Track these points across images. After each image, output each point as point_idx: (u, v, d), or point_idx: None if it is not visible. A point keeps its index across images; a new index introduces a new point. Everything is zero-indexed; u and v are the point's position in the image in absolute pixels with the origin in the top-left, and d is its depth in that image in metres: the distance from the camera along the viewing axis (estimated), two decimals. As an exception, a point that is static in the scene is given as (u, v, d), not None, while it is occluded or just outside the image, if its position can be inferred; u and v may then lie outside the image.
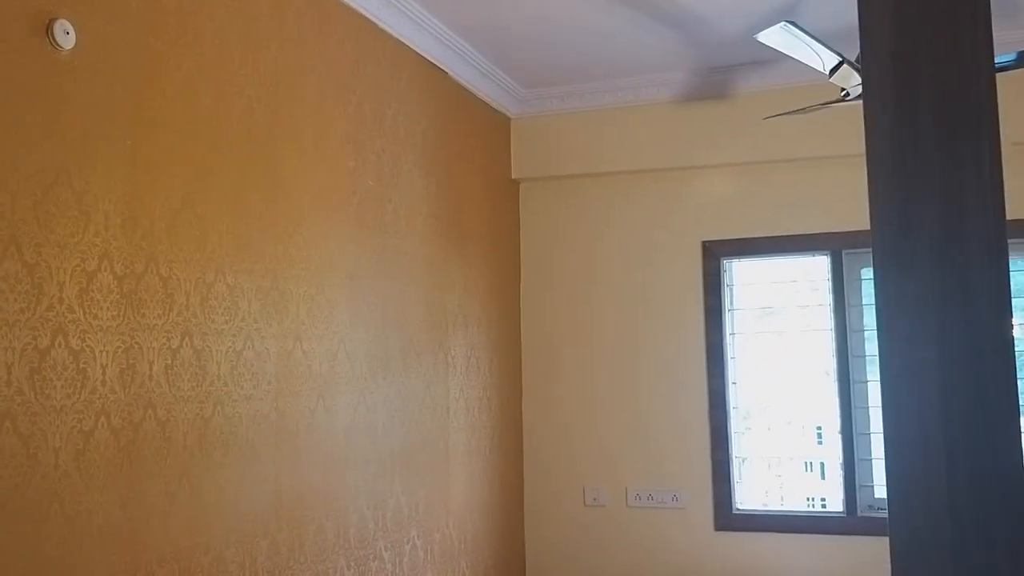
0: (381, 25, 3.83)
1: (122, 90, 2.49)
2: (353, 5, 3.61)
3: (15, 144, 2.17)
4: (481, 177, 4.88)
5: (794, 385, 5.02)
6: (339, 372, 3.45)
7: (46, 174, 2.25)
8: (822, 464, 5.29)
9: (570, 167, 5.19)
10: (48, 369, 2.22)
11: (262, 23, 3.10)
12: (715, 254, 4.97)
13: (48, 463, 2.22)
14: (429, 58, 4.24)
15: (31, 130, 2.21)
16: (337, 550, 3.41)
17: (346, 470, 3.48)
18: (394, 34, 3.93)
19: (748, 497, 4.96)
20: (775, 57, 4.05)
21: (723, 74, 4.73)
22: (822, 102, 3.81)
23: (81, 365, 2.32)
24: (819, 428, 5.13)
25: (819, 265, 4.89)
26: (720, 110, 4.83)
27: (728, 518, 4.87)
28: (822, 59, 3.30)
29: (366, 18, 3.72)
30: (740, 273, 5.07)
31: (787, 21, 3.08)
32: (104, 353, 2.39)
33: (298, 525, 3.17)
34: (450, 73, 4.46)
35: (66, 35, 2.29)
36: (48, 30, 2.26)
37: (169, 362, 2.61)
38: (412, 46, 4.08)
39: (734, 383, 4.97)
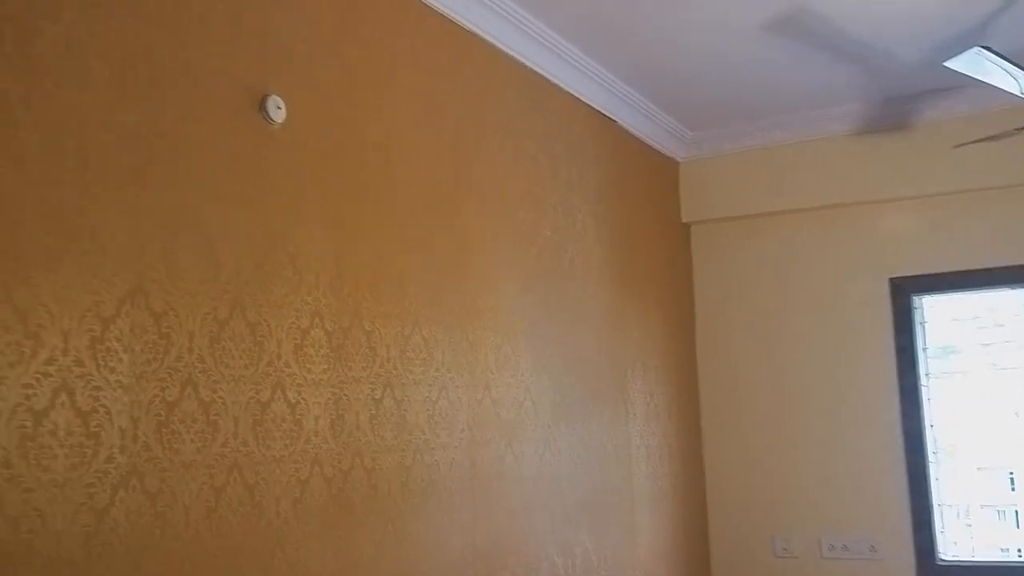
0: (552, 79, 3.92)
1: (326, 158, 2.66)
2: (526, 61, 3.72)
3: (237, 213, 2.34)
4: (652, 222, 4.88)
5: (984, 427, 4.71)
6: (525, 419, 3.50)
7: (264, 239, 2.41)
8: (1016, 512, 4.90)
9: (742, 207, 5.11)
10: (269, 421, 2.37)
11: (444, 86, 3.23)
12: (904, 290, 4.75)
13: (271, 511, 2.34)
14: (597, 107, 4.30)
15: (250, 199, 2.39)
16: (530, 598, 3.42)
17: (535, 518, 3.50)
18: (565, 87, 4.02)
19: (949, 546, 4.65)
20: (962, 83, 3.88)
21: (904, 103, 4.56)
22: (1017, 127, 3.61)
23: (297, 417, 2.45)
24: (1011, 473, 4.78)
25: (1011, 299, 4.58)
26: (903, 140, 4.65)
27: (932, 569, 4.57)
28: (1018, 82, 3.13)
29: (539, 74, 3.82)
30: (931, 310, 4.81)
31: (980, 46, 2.95)
32: (317, 405, 2.52)
33: (494, 573, 3.21)
34: (618, 121, 4.50)
35: (277, 110, 2.46)
36: (261, 106, 2.44)
37: (373, 412, 2.72)
38: (580, 96, 4.16)
39: (931, 425, 4.70)
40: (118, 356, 1.99)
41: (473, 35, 3.39)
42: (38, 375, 1.81)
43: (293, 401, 2.44)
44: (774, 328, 5.02)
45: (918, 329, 4.75)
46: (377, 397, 2.75)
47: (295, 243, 2.51)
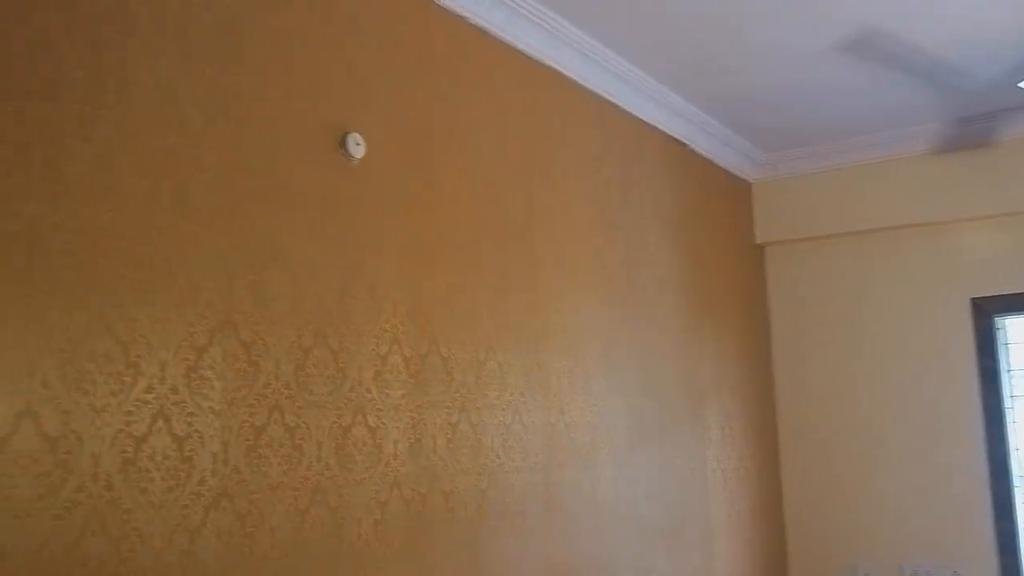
0: (623, 106, 3.97)
1: (403, 191, 2.76)
2: (597, 91, 3.78)
3: (319, 246, 2.45)
4: (726, 244, 4.87)
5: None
6: (599, 443, 3.53)
7: (345, 271, 2.52)
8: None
9: (817, 228, 5.07)
10: (351, 445, 2.46)
11: (515, 118, 3.32)
12: (986, 311, 4.65)
13: (352, 533, 2.43)
14: (669, 132, 4.34)
15: (331, 232, 2.50)
16: (606, 621, 3.44)
17: (611, 541, 3.53)
18: (635, 113, 4.07)
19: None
20: (1042, 99, 3.81)
21: (983, 121, 4.48)
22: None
23: (377, 441, 2.54)
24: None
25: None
26: (983, 159, 4.56)
27: (1022, 598, 4.44)
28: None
29: (609, 101, 3.87)
30: (1014, 331, 4.70)
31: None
32: (396, 429, 2.61)
33: (568, 595, 3.25)
34: (689, 145, 4.53)
35: (357, 146, 2.58)
36: (342, 143, 2.56)
37: (450, 436, 2.80)
38: (653, 123, 4.20)
39: (1016, 449, 4.58)
40: (211, 384, 2.10)
41: (545, 67, 3.47)
42: (138, 403, 1.94)
43: (373, 425, 2.53)
44: (852, 349, 4.95)
45: (1001, 350, 4.63)
46: (453, 421, 2.82)
47: (374, 273, 2.61)
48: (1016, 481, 4.54)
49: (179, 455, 2.01)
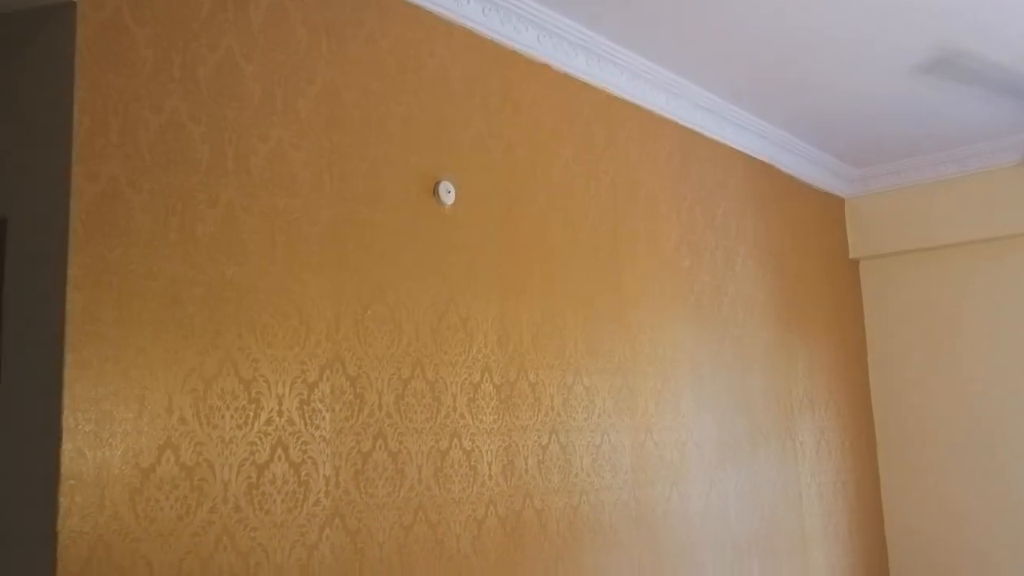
0: (705, 133, 4.11)
1: (492, 231, 2.99)
2: (677, 120, 3.93)
3: (415, 284, 2.70)
4: (817, 260, 4.93)
5: None
6: (689, 460, 3.68)
7: (439, 306, 2.76)
8: None
9: (913, 241, 5.07)
10: (448, 467, 2.70)
11: (598, 152, 3.51)
12: (1088, 321, 4.57)
13: (452, 547, 2.67)
14: (754, 155, 4.45)
15: (426, 272, 2.75)
16: (699, 632, 3.58)
17: (703, 555, 3.66)
18: (718, 138, 4.20)
19: None
20: None
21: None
22: None
23: (472, 463, 2.77)
24: None
25: None
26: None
27: None
28: None
29: (690, 129, 4.02)
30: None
31: None
32: (489, 451, 2.83)
33: (661, 606, 3.40)
34: (775, 165, 4.62)
35: (448, 194, 2.82)
36: (434, 191, 2.81)
37: (540, 457, 3.01)
38: (736, 146, 4.32)
39: None
40: (322, 415, 2.37)
41: (626, 102, 3.65)
42: (260, 434, 2.21)
43: (468, 449, 2.76)
44: (951, 361, 4.93)
45: (1109, 362, 4.55)
46: (544, 443, 3.03)
47: (466, 307, 2.84)
48: None
49: (296, 479, 2.28)
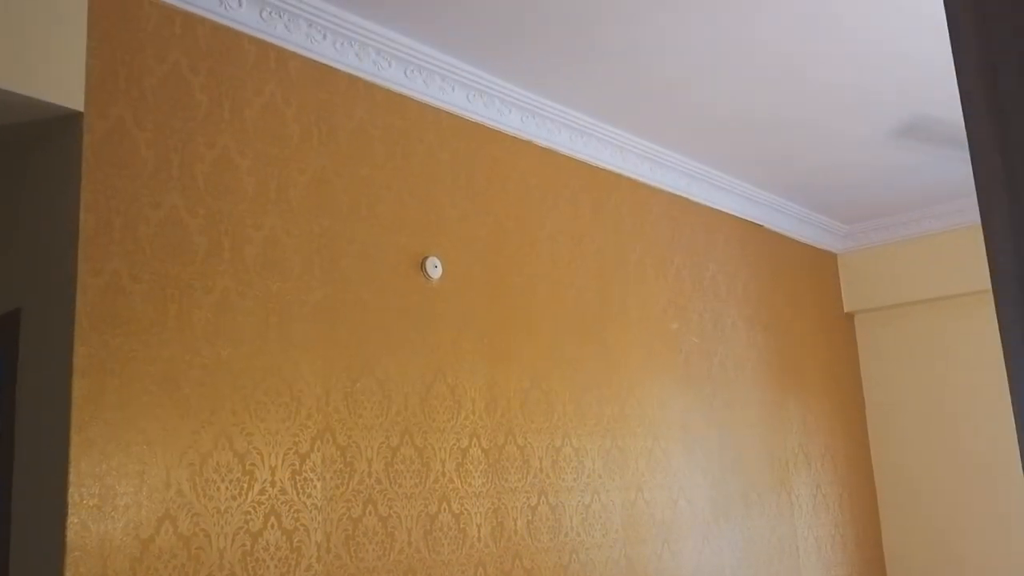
0: (692, 198, 4.28)
1: (477, 301, 3.16)
2: (664, 187, 4.11)
3: (404, 356, 2.87)
4: (811, 316, 5.06)
5: None
6: (681, 517, 3.79)
7: (427, 376, 2.92)
8: None
9: (906, 294, 5.19)
10: (437, 531, 2.84)
11: (585, 222, 3.69)
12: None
13: (442, 606, 2.79)
14: (743, 216, 4.61)
15: (414, 344, 2.91)
16: None
17: (697, 610, 3.75)
18: (706, 203, 4.37)
19: None
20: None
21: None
22: None
23: (462, 525, 2.91)
24: None
25: None
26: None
27: None
28: None
29: (677, 195, 4.20)
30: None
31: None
32: (478, 514, 2.97)
33: (654, 662, 3.49)
34: (765, 225, 4.78)
35: (435, 268, 3.00)
36: (422, 266, 2.99)
37: (530, 518, 3.14)
38: (725, 209, 4.49)
39: (1125, 510, 4.53)
40: (313, 484, 2.53)
41: (611, 173, 3.84)
42: (253, 504, 2.37)
43: (457, 512, 2.90)
44: (949, 411, 5.01)
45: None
46: (533, 504, 3.16)
47: (454, 376, 3.00)
48: (1123, 543, 4.48)
49: (289, 546, 2.43)
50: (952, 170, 4.42)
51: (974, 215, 4.82)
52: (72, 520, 2.04)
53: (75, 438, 2.07)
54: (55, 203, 2.27)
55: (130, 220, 2.27)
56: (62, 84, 2.21)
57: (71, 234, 2.18)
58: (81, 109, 2.23)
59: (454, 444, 2.95)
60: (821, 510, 4.71)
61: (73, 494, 2.04)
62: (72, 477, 2.05)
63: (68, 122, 2.25)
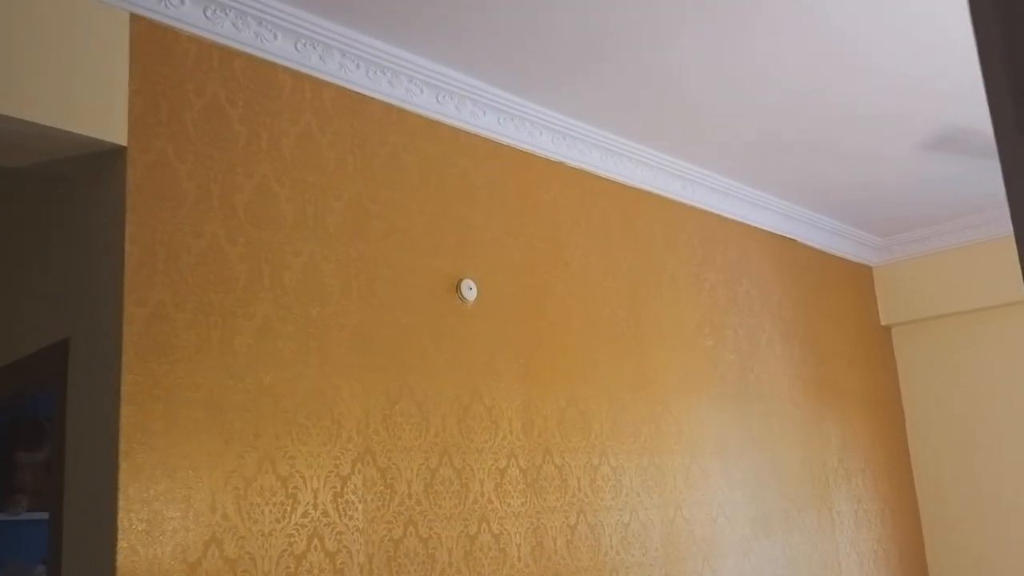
0: (725, 215, 4.29)
1: (512, 323, 3.18)
2: (695, 204, 4.12)
3: (441, 377, 2.90)
4: (847, 330, 5.02)
5: None
6: (721, 535, 3.77)
7: (464, 397, 2.95)
8: None
9: (946, 306, 5.14)
10: (478, 551, 2.85)
11: (617, 240, 3.70)
12: (1122, 381, 4.57)
13: (483, 627, 2.81)
14: (776, 231, 4.60)
15: (451, 366, 2.94)
16: None
17: (739, 628, 3.73)
18: (738, 219, 4.37)
19: None
20: None
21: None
22: None
23: (501, 545, 2.92)
24: None
25: None
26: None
27: None
28: None
29: (709, 212, 4.20)
30: None
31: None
32: (518, 534, 2.98)
33: None
34: (799, 239, 4.76)
35: (470, 291, 3.03)
36: (457, 289, 3.02)
37: (569, 537, 3.15)
38: (758, 225, 4.49)
39: None
40: (355, 506, 2.56)
41: (642, 191, 3.86)
42: (297, 526, 2.41)
43: (497, 532, 2.92)
44: (993, 423, 4.95)
45: None
46: (572, 523, 3.17)
47: (491, 397, 3.03)
48: None
49: (332, 568, 2.47)
50: (987, 181, 4.38)
51: (1008, 226, 4.78)
52: (122, 544, 2.08)
53: (123, 464, 2.11)
54: (101, 235, 2.34)
55: (173, 251, 2.33)
56: (106, 120, 2.28)
57: (117, 265, 2.24)
58: (124, 143, 2.30)
59: (492, 464, 2.97)
60: (863, 525, 4.66)
61: (123, 519, 2.09)
62: (121, 502, 2.10)
63: (112, 156, 2.32)
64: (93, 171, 2.39)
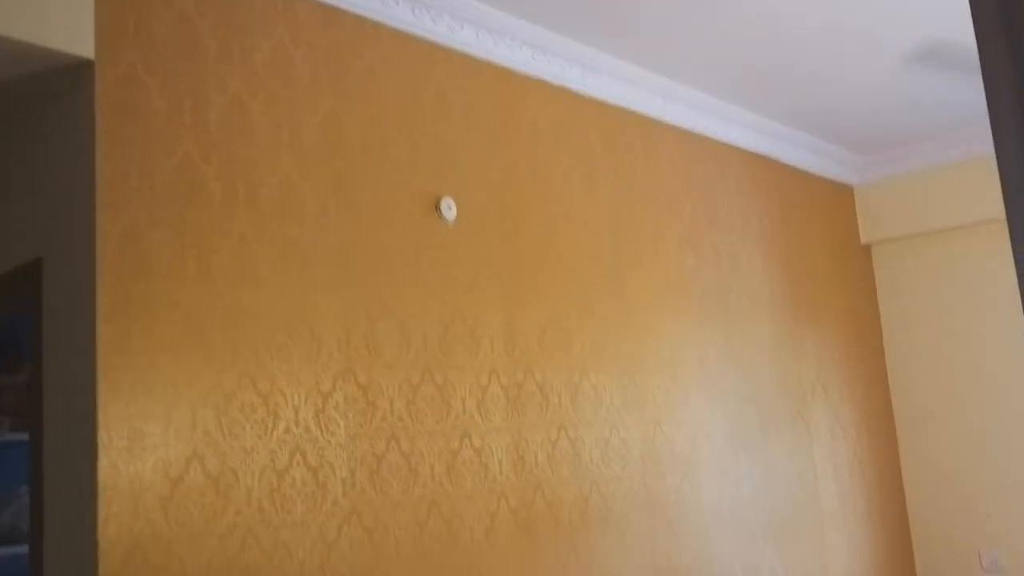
0: (706, 133, 4.25)
1: (493, 242, 3.17)
2: (676, 123, 4.08)
3: (422, 297, 2.90)
4: (827, 248, 5.04)
5: None
6: (699, 450, 3.83)
7: (445, 316, 2.95)
8: None
9: (925, 224, 5.15)
10: (460, 465, 2.89)
11: (597, 159, 3.67)
12: (1096, 297, 4.63)
13: (466, 539, 2.86)
14: (757, 151, 4.58)
15: (432, 285, 2.94)
16: (716, 614, 3.74)
17: (717, 540, 3.82)
18: (719, 138, 4.34)
19: None
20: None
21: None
22: None
23: (484, 460, 2.96)
24: None
25: None
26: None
27: None
28: None
29: (689, 131, 4.17)
30: None
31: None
32: (499, 449, 3.02)
33: (676, 590, 3.57)
34: (780, 159, 4.74)
35: (449, 209, 3.01)
36: (437, 207, 3.00)
37: (550, 452, 3.19)
38: (739, 144, 4.46)
39: None
40: (336, 422, 2.58)
41: (623, 110, 3.81)
42: (279, 442, 2.43)
43: (479, 447, 2.96)
44: (968, 340, 5.01)
45: (1119, 335, 4.61)
46: (553, 439, 3.21)
47: (472, 316, 3.03)
48: None
49: (315, 482, 2.49)
50: (969, 96, 4.35)
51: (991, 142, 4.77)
52: (103, 461, 2.09)
53: (102, 381, 2.11)
54: (71, 153, 2.30)
55: (146, 168, 2.29)
56: (72, 31, 2.22)
57: (88, 183, 2.20)
58: (92, 57, 2.24)
59: (474, 382, 2.99)
60: (839, 440, 4.75)
61: (103, 436, 2.10)
62: (101, 419, 2.10)
63: (80, 71, 2.26)
64: (61, 87, 2.33)
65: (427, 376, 2.86)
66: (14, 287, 2.50)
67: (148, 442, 2.17)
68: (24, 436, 2.56)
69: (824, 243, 5.03)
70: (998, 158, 1.22)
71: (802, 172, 4.95)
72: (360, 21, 2.88)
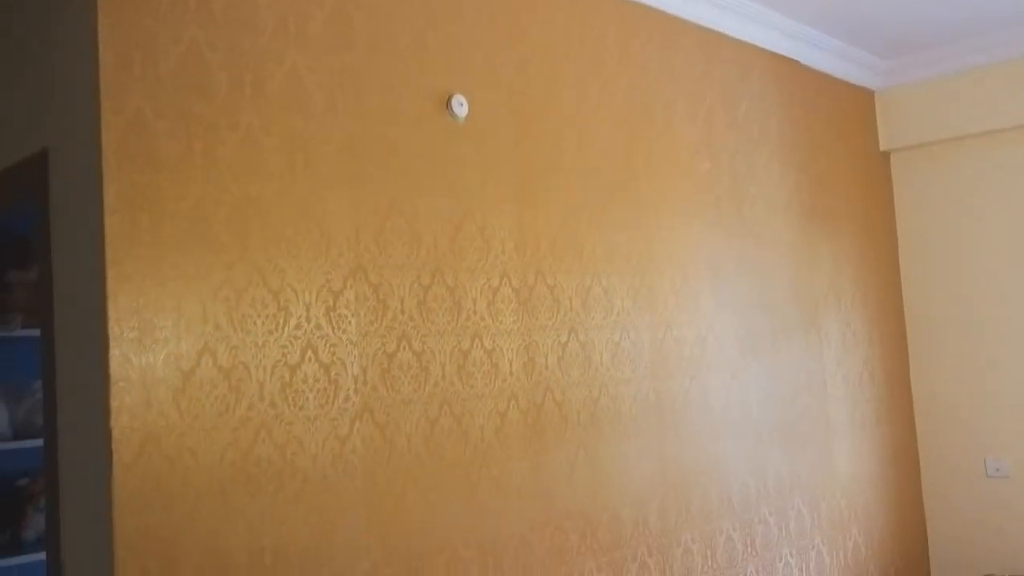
0: (725, 32, 4.13)
1: (505, 143, 3.11)
2: (695, 20, 3.96)
3: (433, 196, 2.86)
4: (846, 155, 4.95)
5: None
6: (709, 355, 3.83)
7: (456, 216, 2.92)
8: None
9: (945, 131, 5.04)
10: (471, 365, 2.89)
11: (612, 61, 3.57)
12: (1118, 206, 4.55)
13: (476, 437, 2.88)
14: (778, 52, 4.45)
15: (442, 184, 2.89)
16: (723, 513, 3.79)
17: (724, 442, 3.85)
18: (739, 37, 4.21)
19: None
20: None
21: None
22: None
23: (494, 361, 2.96)
24: None
25: None
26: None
27: None
28: None
29: (709, 29, 4.05)
30: None
31: None
32: (510, 350, 3.02)
33: (684, 491, 3.61)
34: (801, 62, 4.61)
35: (460, 107, 2.94)
36: (447, 105, 2.93)
37: (560, 354, 3.19)
38: (759, 44, 4.33)
39: None
40: (347, 320, 2.57)
41: (641, 7, 3.69)
42: (290, 338, 2.42)
43: (489, 348, 2.96)
44: (984, 249, 4.96)
45: None
46: (563, 341, 3.21)
47: (483, 217, 3.00)
48: None
49: (327, 378, 2.50)
50: (1000, -4, 4.21)
51: (1019, 48, 4.64)
52: (114, 353, 2.09)
53: (111, 273, 2.10)
54: (73, 39, 2.23)
55: (150, 56, 2.23)
56: (69, -88, 2.13)
57: (92, 71, 2.15)
58: (91, -61, 2.16)
59: (484, 283, 2.97)
60: (850, 347, 4.75)
61: (113, 328, 2.09)
62: (111, 311, 2.10)
63: (79, -47, 2.18)
64: (59, -30, 2.25)
65: (438, 276, 2.84)
66: (22, 178, 2.47)
67: (159, 335, 2.17)
68: (37, 332, 2.56)
69: (842, 150, 4.94)
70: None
71: (823, 75, 4.82)
72: (368, -94, 2.76)
